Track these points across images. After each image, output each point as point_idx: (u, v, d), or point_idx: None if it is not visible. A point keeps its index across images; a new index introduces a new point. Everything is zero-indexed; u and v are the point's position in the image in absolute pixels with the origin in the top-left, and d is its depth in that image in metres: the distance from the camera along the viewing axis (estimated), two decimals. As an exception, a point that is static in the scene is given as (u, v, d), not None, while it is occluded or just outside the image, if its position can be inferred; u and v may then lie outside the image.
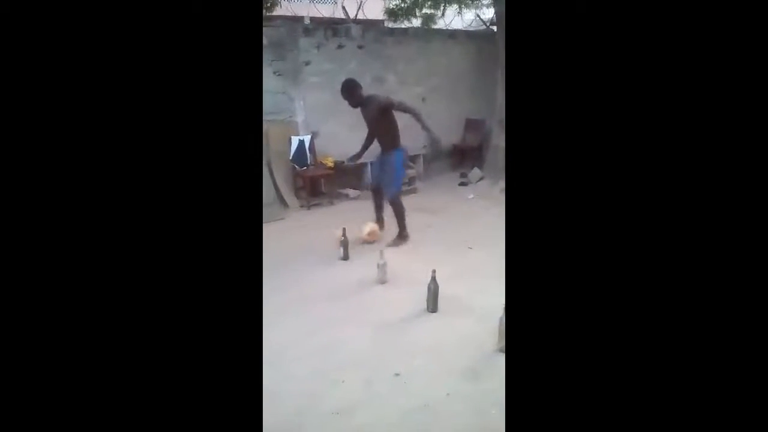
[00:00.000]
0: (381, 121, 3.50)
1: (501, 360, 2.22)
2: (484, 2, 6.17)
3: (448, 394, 1.99)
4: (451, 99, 6.40)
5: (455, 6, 5.96)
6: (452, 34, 6.37)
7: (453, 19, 6.30)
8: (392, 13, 5.93)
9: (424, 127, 3.44)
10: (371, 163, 4.00)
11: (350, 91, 3.48)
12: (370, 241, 3.67)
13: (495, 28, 5.94)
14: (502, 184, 5.68)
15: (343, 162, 4.47)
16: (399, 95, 6.39)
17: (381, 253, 3.07)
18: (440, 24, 6.15)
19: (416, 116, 3.43)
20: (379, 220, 3.88)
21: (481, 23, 6.45)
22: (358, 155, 3.80)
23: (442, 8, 5.84)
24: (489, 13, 6.16)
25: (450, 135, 6.48)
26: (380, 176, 3.70)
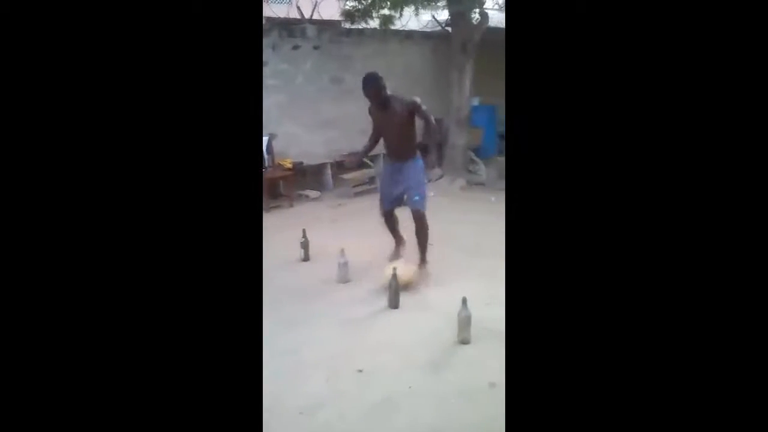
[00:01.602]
0: (403, 125, 2.95)
1: (461, 351, 2.28)
2: (439, 4, 6.28)
3: (410, 387, 2.02)
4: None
5: (411, 7, 6.03)
6: (409, 35, 6.44)
7: (409, 20, 6.37)
8: (348, 14, 5.94)
9: (432, 138, 3.03)
10: (381, 176, 3.30)
11: (376, 86, 2.85)
12: (409, 287, 2.83)
13: (450, 29, 6.04)
14: (461, 181, 5.80)
15: (301, 163, 4.32)
16: (356, 95, 6.45)
17: (342, 251, 3.08)
18: (397, 25, 6.21)
19: (431, 127, 2.95)
20: (400, 244, 3.30)
21: (437, 24, 6.55)
22: (362, 154, 3.33)
23: (399, 9, 5.90)
24: (444, 15, 6.27)
25: (409, 134, 6.55)
26: (399, 188, 3.05)
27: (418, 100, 2.91)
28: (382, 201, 3.20)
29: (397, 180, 3.06)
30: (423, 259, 3.09)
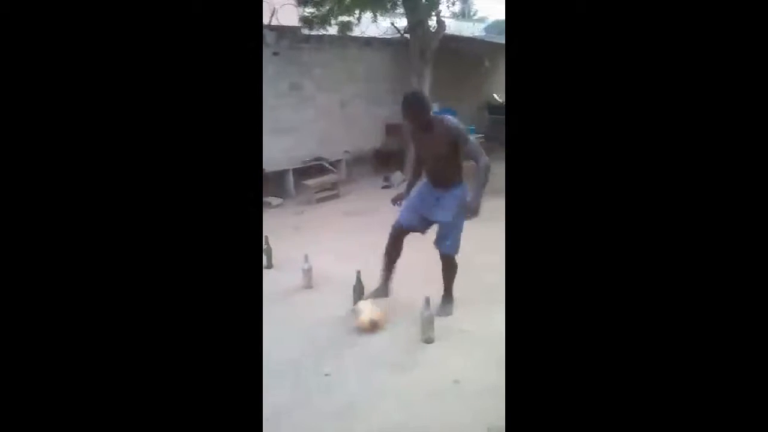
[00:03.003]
0: (446, 150, 2.47)
1: (425, 351, 2.32)
2: (398, 11, 6.37)
3: (376, 388, 2.04)
4: (370, 104, 6.53)
5: (370, 14, 6.10)
6: (368, 42, 6.51)
7: (368, 26, 6.44)
8: (307, 21, 5.94)
9: (480, 179, 2.40)
10: (417, 188, 2.72)
11: (420, 107, 2.44)
12: (371, 330, 2.49)
13: (408, 35, 6.15)
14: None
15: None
16: (318, 101, 6.47)
17: (305, 258, 3.07)
18: (356, 32, 6.26)
19: (484, 168, 2.40)
20: (384, 289, 2.74)
21: (396, 31, 6.65)
22: (408, 189, 2.74)
23: (357, 16, 5.95)
24: (404, 22, 6.37)
25: (371, 140, 6.61)
26: (430, 215, 2.58)
27: (462, 128, 2.47)
28: (403, 214, 2.65)
29: (431, 206, 2.57)
30: (447, 295, 2.71)
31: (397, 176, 5.93)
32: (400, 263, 2.77)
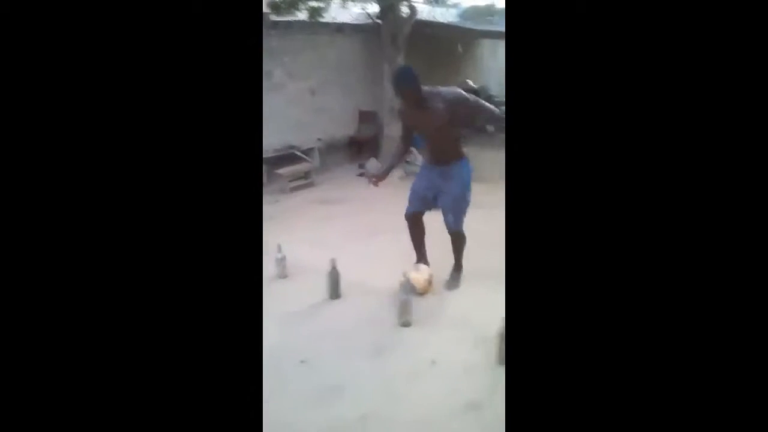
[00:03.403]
0: (446, 124, 2.41)
1: (403, 334, 2.32)
2: (368, -5, 6.29)
3: (354, 373, 2.03)
4: (342, 91, 6.45)
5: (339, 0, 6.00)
6: (339, 28, 6.40)
7: (339, 12, 6.33)
8: (275, 6, 5.80)
9: (495, 121, 2.61)
10: (418, 173, 2.74)
11: (413, 84, 2.33)
12: (424, 291, 2.63)
13: (380, 21, 6.08)
14: (399, 172, 5.87)
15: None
16: (288, 89, 6.36)
17: (278, 247, 3.02)
18: (327, 17, 6.15)
19: (489, 114, 2.51)
20: (423, 260, 2.81)
21: (368, 17, 6.57)
22: (389, 168, 2.71)
23: (327, 1, 5.84)
24: (376, 8, 6.29)
25: (344, 127, 6.54)
26: (436, 192, 2.58)
27: (461, 91, 2.44)
28: (411, 200, 2.66)
29: (436, 184, 2.56)
30: (457, 268, 2.78)
31: (372, 163, 5.89)
32: (382, 247, 2.75)
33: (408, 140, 2.65)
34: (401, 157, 2.72)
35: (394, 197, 4.58)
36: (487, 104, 2.49)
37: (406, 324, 2.36)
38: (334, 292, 2.68)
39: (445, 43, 7.65)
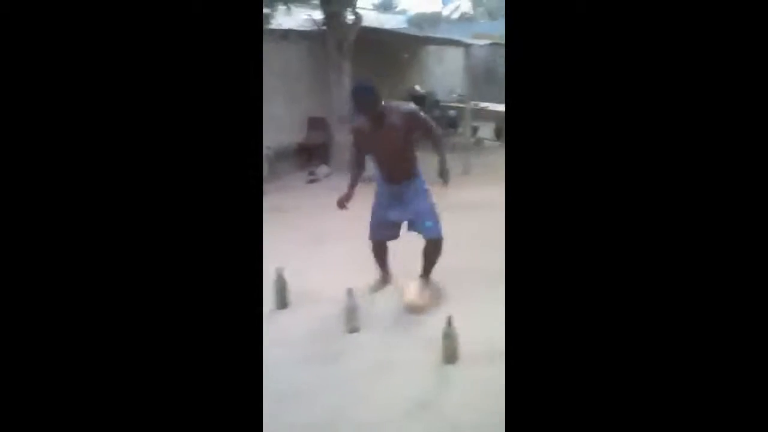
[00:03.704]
0: (402, 140, 2.38)
1: (352, 340, 2.35)
2: (313, 2, 6.28)
3: (306, 381, 2.04)
4: (290, 99, 6.42)
5: (284, 6, 5.97)
6: (284, 35, 6.37)
7: (284, 19, 6.30)
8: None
9: (440, 150, 2.50)
10: (376, 199, 2.65)
11: (373, 98, 2.27)
12: (422, 310, 2.53)
13: (326, 28, 6.09)
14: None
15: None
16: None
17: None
18: (272, 24, 6.10)
19: (436, 138, 2.50)
20: (386, 279, 2.80)
21: (313, 24, 6.57)
22: (351, 188, 2.58)
23: (272, 8, 5.80)
24: (320, 14, 6.30)
25: (293, 134, 6.51)
26: (401, 215, 2.54)
27: (415, 107, 2.45)
28: (373, 229, 2.63)
29: (396, 206, 2.51)
30: (427, 277, 2.65)
31: (322, 169, 5.89)
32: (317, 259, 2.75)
33: (361, 159, 2.58)
34: (358, 176, 2.62)
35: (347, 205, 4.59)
36: (434, 125, 2.52)
37: (353, 330, 2.39)
38: (281, 302, 2.67)
39: (391, 50, 7.76)
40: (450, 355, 2.10)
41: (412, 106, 2.48)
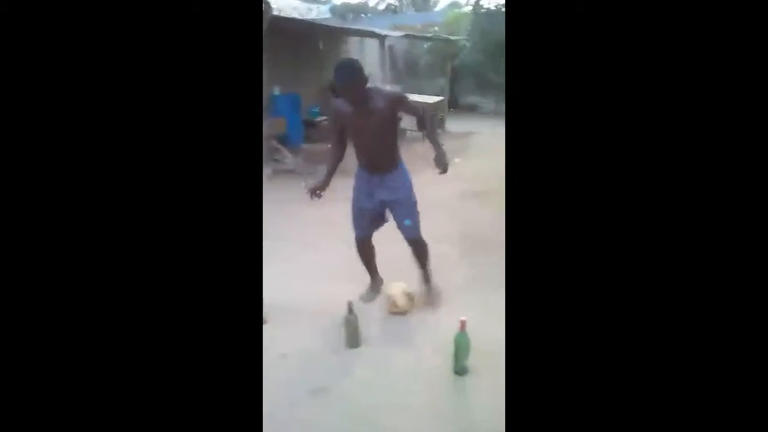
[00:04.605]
0: (386, 125, 2.19)
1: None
2: None
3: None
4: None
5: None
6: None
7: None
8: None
9: (433, 138, 2.26)
10: (355, 190, 2.41)
11: (359, 77, 2.01)
12: (403, 311, 2.46)
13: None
14: (267, 171, 5.79)
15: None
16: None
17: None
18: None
19: (426, 119, 2.29)
20: (376, 282, 2.66)
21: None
22: (328, 176, 2.32)
23: None
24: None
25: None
26: (380, 206, 2.36)
27: (400, 91, 2.28)
28: (356, 224, 2.42)
29: (376, 195, 2.31)
30: (427, 279, 2.57)
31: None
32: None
33: (342, 143, 2.33)
34: (337, 162, 2.36)
35: (266, 196, 4.41)
36: (421, 107, 2.30)
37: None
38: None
39: (306, 41, 7.65)
40: (353, 340, 2.17)
41: (396, 89, 2.37)
